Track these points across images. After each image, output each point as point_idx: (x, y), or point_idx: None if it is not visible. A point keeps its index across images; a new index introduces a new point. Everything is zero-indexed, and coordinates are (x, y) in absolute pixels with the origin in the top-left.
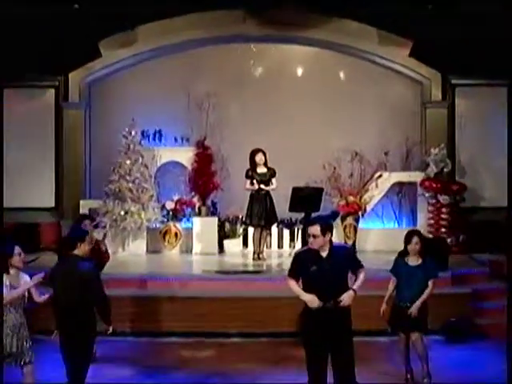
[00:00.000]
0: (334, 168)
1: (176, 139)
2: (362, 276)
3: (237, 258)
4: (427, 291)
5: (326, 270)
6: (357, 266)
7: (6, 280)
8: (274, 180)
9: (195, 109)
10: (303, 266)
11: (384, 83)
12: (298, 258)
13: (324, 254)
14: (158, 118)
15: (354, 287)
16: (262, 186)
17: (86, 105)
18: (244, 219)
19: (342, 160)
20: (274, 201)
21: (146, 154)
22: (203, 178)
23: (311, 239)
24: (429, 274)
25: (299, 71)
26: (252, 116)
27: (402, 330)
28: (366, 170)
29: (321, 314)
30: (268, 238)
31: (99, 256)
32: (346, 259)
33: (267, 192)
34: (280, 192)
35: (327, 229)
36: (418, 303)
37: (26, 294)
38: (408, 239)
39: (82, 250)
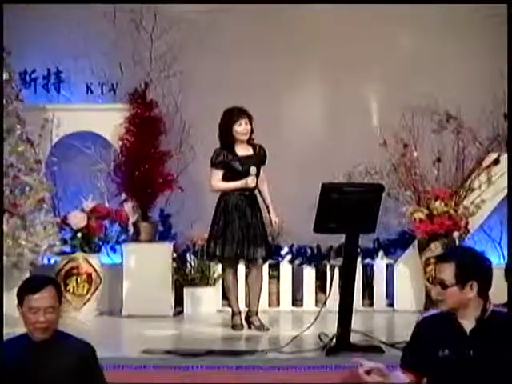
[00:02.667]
0: (405, 145)
1: (89, 88)
2: None
3: (211, 326)
4: None
5: (467, 359)
6: None
7: None
8: (262, 171)
9: (127, 27)
10: (427, 345)
11: None
12: (419, 331)
13: (468, 324)
14: (54, 46)
15: None
16: (250, 181)
17: None
18: (208, 247)
19: (421, 130)
20: (264, 211)
21: (31, 117)
22: (143, 164)
23: (438, 289)
24: None
25: None
26: (241, 48)
27: None
28: (469, 150)
29: None
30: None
31: None
32: None
33: (253, 194)
34: (294, 193)
35: (472, 272)
36: None
37: None
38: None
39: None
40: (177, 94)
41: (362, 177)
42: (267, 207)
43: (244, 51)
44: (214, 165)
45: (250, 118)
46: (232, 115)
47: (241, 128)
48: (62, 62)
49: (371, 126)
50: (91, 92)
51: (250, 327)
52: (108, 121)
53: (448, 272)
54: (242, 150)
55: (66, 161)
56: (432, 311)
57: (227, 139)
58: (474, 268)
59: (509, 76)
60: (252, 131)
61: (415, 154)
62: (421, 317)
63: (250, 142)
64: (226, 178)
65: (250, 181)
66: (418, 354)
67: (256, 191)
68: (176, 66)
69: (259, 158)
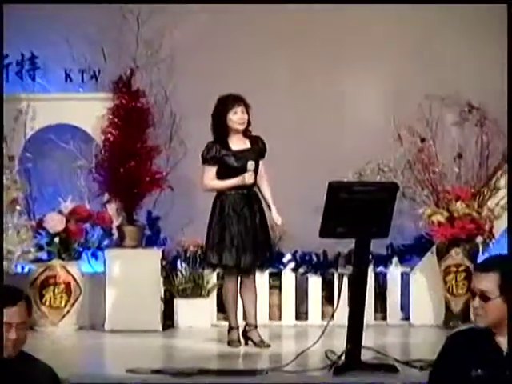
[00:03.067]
0: (422, 140)
1: (68, 76)
2: None
3: (205, 342)
4: None
5: (503, 380)
6: None
7: None
8: (261, 165)
9: (111, 9)
10: (458, 363)
11: None
12: (449, 347)
13: (505, 343)
14: (29, 30)
15: None
16: (247, 177)
17: None
18: (204, 253)
19: (440, 123)
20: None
21: (3, 108)
22: (129, 161)
23: (476, 302)
24: None
25: None
26: (240, 33)
27: None
28: (494, 144)
29: None
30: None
31: None
32: None
33: (252, 192)
34: (298, 193)
35: None
36: None
37: None
38: None
39: None
40: (166, 83)
41: (374, 175)
42: (268, 206)
43: (243, 37)
44: (206, 161)
45: (247, 107)
46: (226, 102)
47: (236, 117)
48: (36, 46)
49: (384, 118)
50: (70, 80)
51: (247, 343)
52: (89, 112)
53: (491, 283)
54: (238, 143)
55: (42, 157)
56: (464, 327)
57: (221, 130)
58: None
59: (509, 76)
60: (249, 122)
61: (433, 149)
62: (452, 333)
63: (246, 133)
64: (220, 175)
65: (248, 177)
66: (446, 372)
67: (256, 189)
68: (165, 52)
69: (257, 151)
